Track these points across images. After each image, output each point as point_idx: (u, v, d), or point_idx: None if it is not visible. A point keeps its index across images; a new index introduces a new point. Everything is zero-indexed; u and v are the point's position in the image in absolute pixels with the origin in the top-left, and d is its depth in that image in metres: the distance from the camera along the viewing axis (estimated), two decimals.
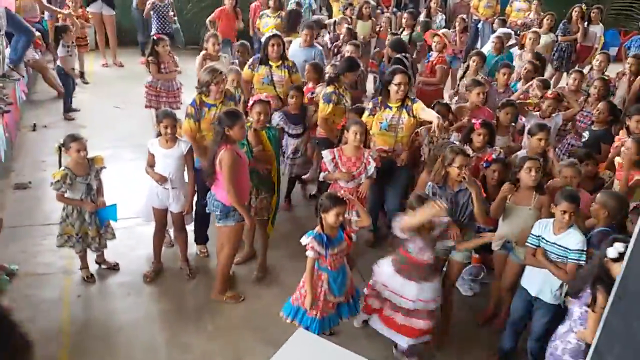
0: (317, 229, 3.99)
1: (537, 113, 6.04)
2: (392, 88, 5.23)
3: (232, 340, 4.56)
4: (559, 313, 4.05)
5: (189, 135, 5.06)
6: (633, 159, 4.86)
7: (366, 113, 5.45)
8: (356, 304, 4.32)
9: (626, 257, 2.39)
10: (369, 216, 4.41)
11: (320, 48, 7.67)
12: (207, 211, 4.83)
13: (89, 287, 5.07)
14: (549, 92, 6.21)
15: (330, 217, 3.90)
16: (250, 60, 6.65)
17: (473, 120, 5.31)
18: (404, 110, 5.30)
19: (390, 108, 5.32)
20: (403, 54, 7.29)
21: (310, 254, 3.94)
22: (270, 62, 6.36)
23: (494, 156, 4.82)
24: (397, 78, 5.19)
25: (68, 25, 8.48)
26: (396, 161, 5.41)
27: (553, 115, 6.02)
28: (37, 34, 9.16)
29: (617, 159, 5.12)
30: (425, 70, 8.02)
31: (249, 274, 5.34)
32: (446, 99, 7.27)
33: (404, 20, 9.29)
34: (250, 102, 5.03)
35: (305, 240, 3.97)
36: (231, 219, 4.61)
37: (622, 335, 2.37)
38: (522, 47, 8.64)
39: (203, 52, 7.08)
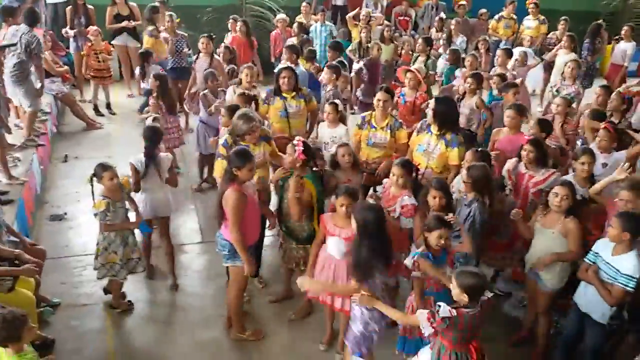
0: (422, 248, 3.99)
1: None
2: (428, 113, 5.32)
3: None
4: (606, 333, 4.08)
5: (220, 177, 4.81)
6: None
7: (414, 133, 5.58)
8: None
9: None
10: (472, 243, 4.30)
11: (304, 70, 7.69)
12: (217, 250, 4.64)
13: (131, 316, 5.05)
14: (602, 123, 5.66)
15: (432, 238, 3.93)
16: (264, 94, 6.47)
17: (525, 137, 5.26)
18: (442, 141, 5.30)
19: (431, 133, 5.35)
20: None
21: (416, 274, 3.92)
22: (285, 94, 6.24)
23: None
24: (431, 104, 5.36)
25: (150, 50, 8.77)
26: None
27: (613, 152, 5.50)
28: (65, 67, 9.34)
29: None
30: (400, 110, 7.04)
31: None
32: None
33: (417, 46, 9.20)
34: None
35: (409, 261, 3.95)
36: (239, 259, 4.38)
37: None
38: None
39: (238, 87, 6.79)
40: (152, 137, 5.21)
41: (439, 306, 3.34)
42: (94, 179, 4.73)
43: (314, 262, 4.42)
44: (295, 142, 4.74)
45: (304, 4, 11.19)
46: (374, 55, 9.09)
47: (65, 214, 6.63)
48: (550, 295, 4.47)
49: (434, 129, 5.35)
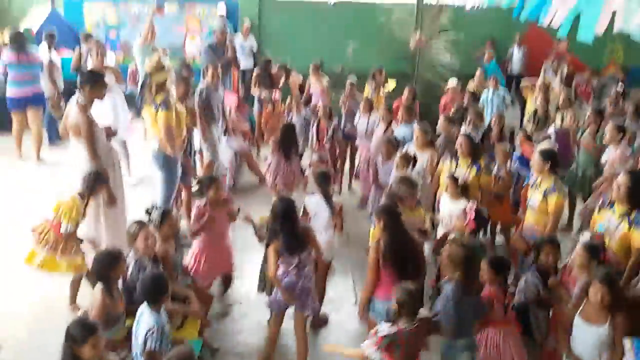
0: None
1: None
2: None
3: None
4: None
5: None
6: None
7: (595, 210, 5.15)
8: None
9: None
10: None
11: None
12: None
13: None
14: None
15: None
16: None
17: None
18: (626, 220, 4.66)
19: (614, 210, 4.79)
20: None
21: None
22: (460, 160, 6.21)
23: None
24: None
25: None
26: None
27: None
28: (246, 125, 10.14)
29: None
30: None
31: None
32: None
33: (587, 118, 8.14)
34: None
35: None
36: None
37: None
38: None
39: None
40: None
41: (382, 325, 3.66)
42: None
43: None
44: (468, 206, 4.63)
45: (478, 70, 11.11)
46: (567, 124, 8.53)
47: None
48: None
49: (618, 207, 4.76)
